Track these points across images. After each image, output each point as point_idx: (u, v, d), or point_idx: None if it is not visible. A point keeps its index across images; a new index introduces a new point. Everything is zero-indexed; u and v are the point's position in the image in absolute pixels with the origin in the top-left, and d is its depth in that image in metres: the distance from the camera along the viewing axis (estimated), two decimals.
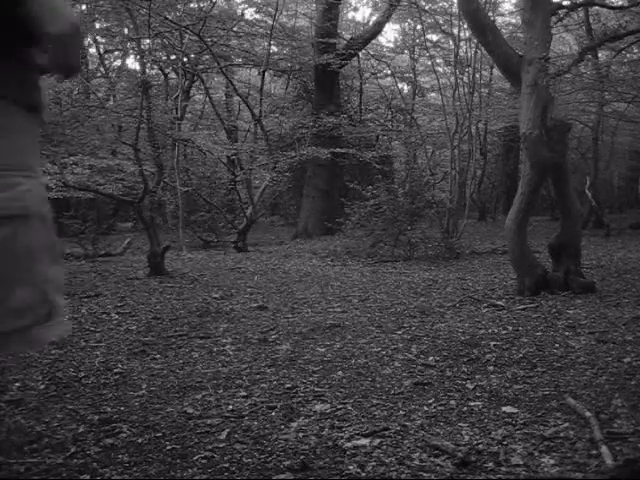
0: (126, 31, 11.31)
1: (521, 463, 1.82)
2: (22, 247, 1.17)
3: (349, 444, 2.00)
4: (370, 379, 2.73)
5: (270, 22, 11.85)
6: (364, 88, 17.27)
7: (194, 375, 2.85)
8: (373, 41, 14.85)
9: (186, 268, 7.25)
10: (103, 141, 13.40)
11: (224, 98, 17.42)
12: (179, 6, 9.25)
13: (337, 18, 13.60)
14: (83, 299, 5.08)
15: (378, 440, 2.02)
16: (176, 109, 10.89)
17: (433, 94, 17.64)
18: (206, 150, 12.93)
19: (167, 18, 9.02)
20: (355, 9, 30.82)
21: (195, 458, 1.93)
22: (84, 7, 10.45)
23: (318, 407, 2.37)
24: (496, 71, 12.40)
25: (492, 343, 3.31)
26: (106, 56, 15.46)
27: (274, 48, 14.27)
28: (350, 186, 9.84)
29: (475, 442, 1.99)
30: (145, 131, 7.96)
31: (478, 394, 2.49)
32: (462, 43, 9.86)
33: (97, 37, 13.20)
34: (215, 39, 11.27)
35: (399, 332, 3.67)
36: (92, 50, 15.32)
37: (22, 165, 1.21)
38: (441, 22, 11.89)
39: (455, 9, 9.93)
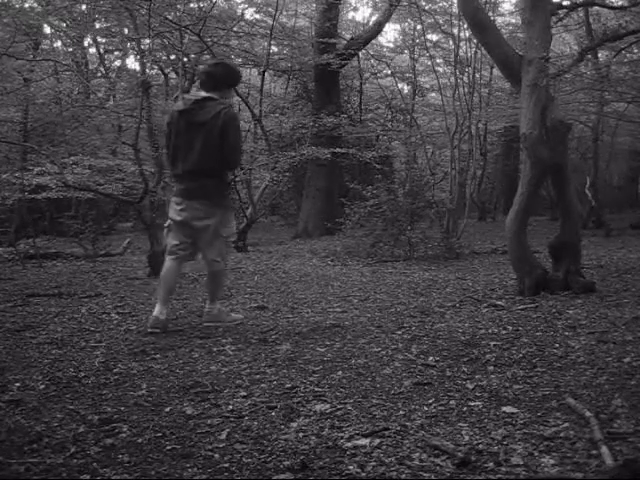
0: (126, 31, 11.30)
1: (521, 463, 1.83)
2: None
3: (349, 444, 2.00)
4: (370, 379, 2.73)
5: (270, 22, 11.83)
6: (364, 88, 17.26)
7: (194, 375, 2.85)
8: (373, 41, 14.83)
9: (186, 268, 7.22)
10: (103, 141, 13.42)
11: None
12: (179, 6, 9.22)
13: (337, 18, 13.60)
14: (83, 299, 5.08)
15: (378, 440, 2.02)
16: None
17: (433, 94, 17.62)
18: None
19: (167, 18, 8.99)
20: (355, 9, 30.81)
21: (195, 458, 1.93)
22: (84, 7, 10.45)
23: (318, 407, 2.37)
24: (496, 71, 12.40)
25: (492, 343, 3.31)
26: (106, 56, 15.43)
27: (274, 48, 14.26)
28: (350, 186, 9.84)
29: (475, 442, 1.99)
30: (145, 131, 7.96)
31: (478, 394, 2.49)
32: (462, 43, 9.85)
33: (97, 37, 13.18)
34: (215, 39, 11.23)
35: (399, 332, 3.67)
36: (92, 50, 15.34)
37: None
38: (441, 22, 11.88)
39: (455, 9, 9.93)
